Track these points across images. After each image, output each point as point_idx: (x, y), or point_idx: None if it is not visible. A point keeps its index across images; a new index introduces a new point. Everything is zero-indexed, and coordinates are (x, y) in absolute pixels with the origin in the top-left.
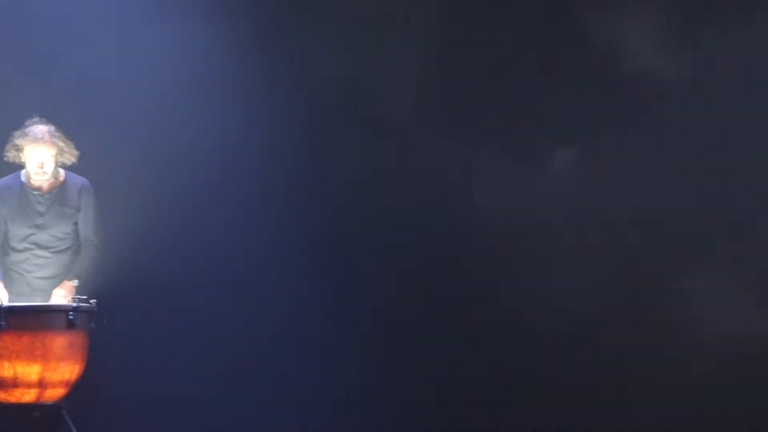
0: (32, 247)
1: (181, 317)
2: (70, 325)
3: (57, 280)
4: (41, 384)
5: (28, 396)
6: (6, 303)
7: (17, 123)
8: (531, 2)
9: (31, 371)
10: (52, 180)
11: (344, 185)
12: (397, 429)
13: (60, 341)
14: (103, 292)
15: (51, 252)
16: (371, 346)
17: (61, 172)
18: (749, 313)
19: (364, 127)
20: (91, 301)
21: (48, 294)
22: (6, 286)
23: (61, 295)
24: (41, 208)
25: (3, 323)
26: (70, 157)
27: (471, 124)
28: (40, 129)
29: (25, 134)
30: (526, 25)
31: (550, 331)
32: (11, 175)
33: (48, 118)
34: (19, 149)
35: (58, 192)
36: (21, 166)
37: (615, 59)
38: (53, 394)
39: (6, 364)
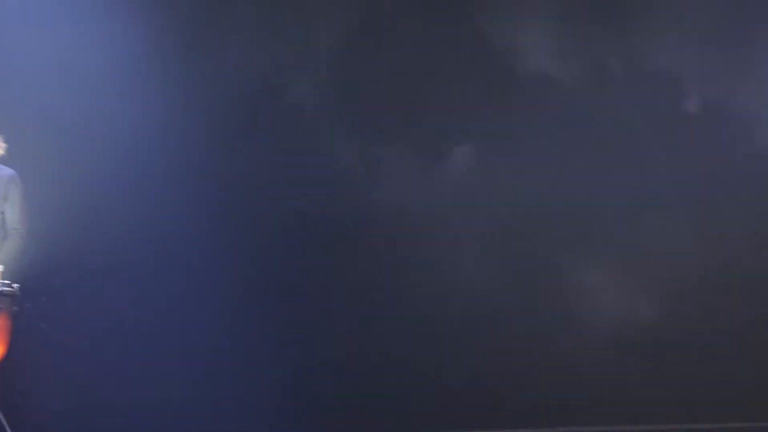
0: None
1: (100, 303)
2: None
3: None
4: None
5: None
6: None
7: None
8: (435, 6)
9: None
10: None
11: (251, 178)
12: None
13: None
14: (27, 278)
15: None
16: (271, 331)
17: None
18: (632, 301)
19: (272, 123)
20: (14, 285)
21: None
22: None
23: None
24: None
25: None
26: None
27: (376, 121)
28: None
29: None
30: (430, 28)
31: (447, 318)
32: None
33: None
34: None
35: None
36: None
37: (511, 61)
38: None
39: None
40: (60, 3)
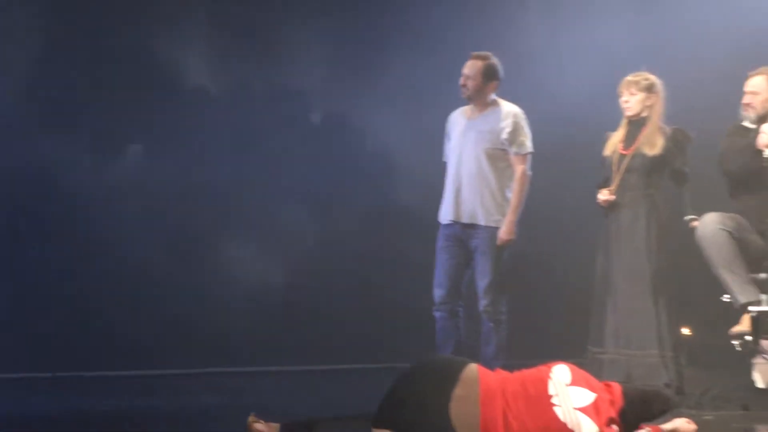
0: None
1: None
2: None
3: None
4: None
5: None
6: None
7: None
8: (113, 25)
9: None
10: None
11: None
12: None
13: None
14: None
15: None
16: None
17: None
18: (266, 270)
19: None
20: None
21: None
22: None
23: None
24: None
25: None
26: None
27: (63, 120)
28: None
29: None
30: (110, 41)
31: (121, 285)
32: None
33: None
34: None
35: None
36: None
37: (176, 75)
38: None
39: None
40: None
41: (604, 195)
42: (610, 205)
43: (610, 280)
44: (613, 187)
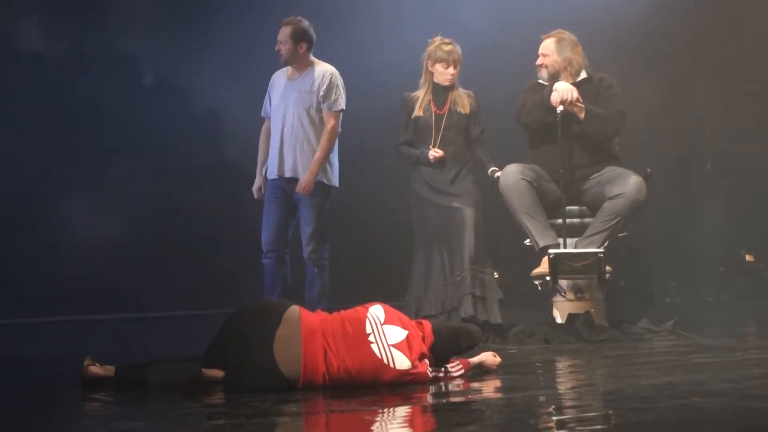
0: None
1: None
2: None
3: None
4: None
5: None
6: None
7: None
8: None
9: None
10: None
11: None
12: None
13: None
14: None
15: None
16: None
17: None
18: (102, 223)
19: None
20: None
21: None
22: None
23: None
24: None
25: None
26: None
27: None
28: None
29: None
30: None
31: None
32: None
33: None
34: None
35: None
36: None
37: (11, 41)
38: None
39: None
40: None
41: (437, 152)
42: (438, 160)
43: (437, 227)
44: (437, 144)
